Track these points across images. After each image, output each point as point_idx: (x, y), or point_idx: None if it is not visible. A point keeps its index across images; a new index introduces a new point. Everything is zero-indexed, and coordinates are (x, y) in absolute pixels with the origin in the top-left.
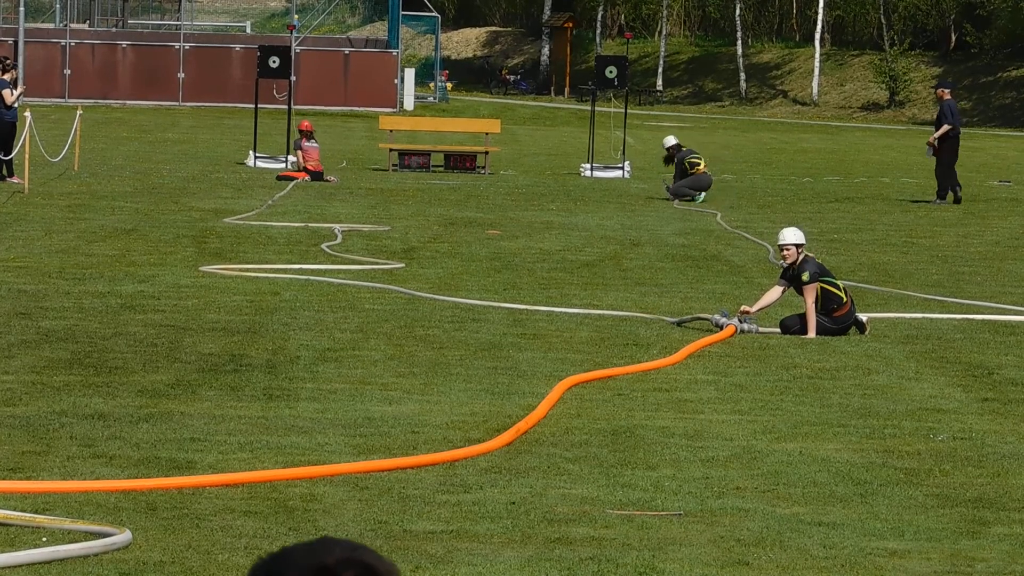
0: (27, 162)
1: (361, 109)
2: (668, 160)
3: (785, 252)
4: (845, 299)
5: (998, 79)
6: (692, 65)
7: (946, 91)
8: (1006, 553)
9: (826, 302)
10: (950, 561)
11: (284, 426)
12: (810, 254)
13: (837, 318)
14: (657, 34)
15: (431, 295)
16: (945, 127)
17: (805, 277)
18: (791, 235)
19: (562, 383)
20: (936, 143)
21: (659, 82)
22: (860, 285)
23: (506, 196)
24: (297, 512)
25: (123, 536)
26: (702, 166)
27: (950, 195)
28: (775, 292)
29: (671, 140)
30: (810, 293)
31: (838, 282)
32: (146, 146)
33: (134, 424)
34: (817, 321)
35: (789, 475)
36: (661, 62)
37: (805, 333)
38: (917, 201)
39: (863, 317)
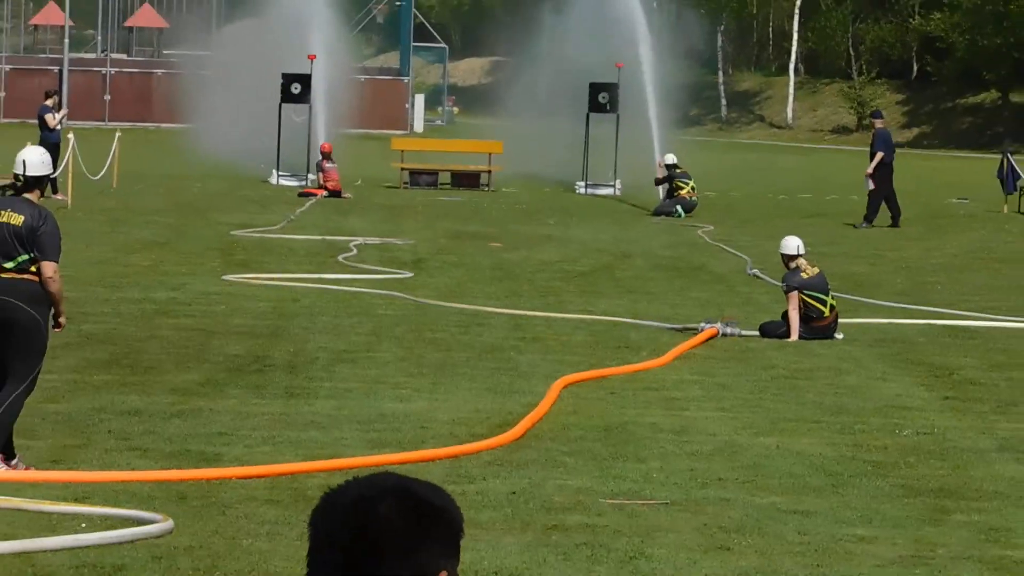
0: (70, 180)
1: (375, 131)
2: (661, 182)
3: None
4: (827, 314)
5: (956, 106)
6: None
7: (878, 121)
8: (966, 539)
9: (806, 311)
10: (914, 546)
11: (303, 422)
12: (799, 266)
13: (813, 328)
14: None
15: (438, 302)
16: (879, 155)
17: (782, 288)
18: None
19: (558, 382)
20: (872, 172)
21: (650, 107)
22: (833, 294)
23: (508, 211)
24: (315, 502)
25: (164, 524)
26: (685, 191)
27: (887, 220)
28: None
29: (670, 158)
30: (789, 302)
31: (826, 298)
32: (179, 165)
33: (166, 420)
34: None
35: (767, 467)
36: (651, 88)
37: (784, 337)
38: (849, 223)
39: (839, 335)
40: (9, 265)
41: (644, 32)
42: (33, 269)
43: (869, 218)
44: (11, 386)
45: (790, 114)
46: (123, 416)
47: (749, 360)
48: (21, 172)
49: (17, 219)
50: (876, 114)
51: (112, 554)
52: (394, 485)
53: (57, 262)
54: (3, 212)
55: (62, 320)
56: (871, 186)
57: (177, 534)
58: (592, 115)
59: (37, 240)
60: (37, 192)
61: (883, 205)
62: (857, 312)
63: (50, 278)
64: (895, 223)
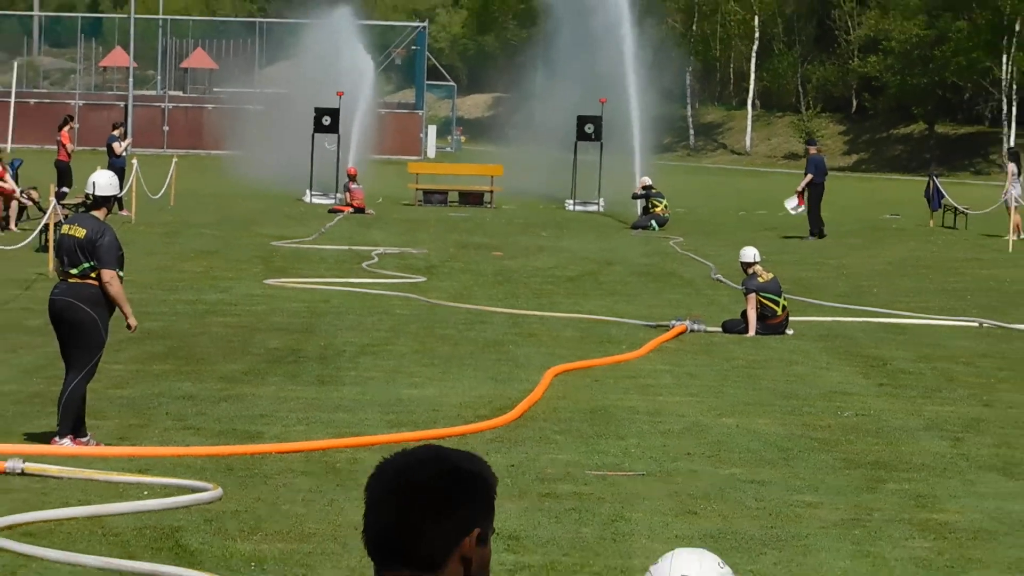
0: (134, 199)
1: (394, 157)
2: (638, 196)
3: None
4: (780, 313)
5: (889, 136)
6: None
7: (812, 148)
8: (897, 504)
9: (762, 310)
10: (854, 511)
11: (332, 405)
12: (756, 272)
13: (768, 325)
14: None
15: (448, 303)
16: (808, 177)
17: (742, 290)
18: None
19: (550, 371)
20: (803, 191)
21: (635, 135)
22: (784, 296)
23: (507, 225)
24: (343, 473)
25: (215, 492)
26: (659, 208)
27: (810, 229)
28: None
29: (646, 180)
30: (747, 302)
31: (778, 299)
32: (227, 186)
33: (215, 403)
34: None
35: (729, 444)
36: (635, 120)
37: (743, 332)
38: (790, 237)
39: (789, 331)
40: (74, 271)
41: (628, 72)
42: (94, 276)
43: (812, 231)
44: (72, 374)
45: (748, 142)
46: (179, 400)
47: (713, 352)
48: (91, 192)
49: (80, 232)
50: (810, 142)
51: (170, 517)
52: (434, 455)
53: (114, 269)
54: (71, 226)
55: (131, 321)
56: (795, 204)
57: (225, 500)
58: (579, 143)
59: (96, 250)
60: (104, 210)
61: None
62: (805, 311)
63: (107, 283)
64: (821, 235)
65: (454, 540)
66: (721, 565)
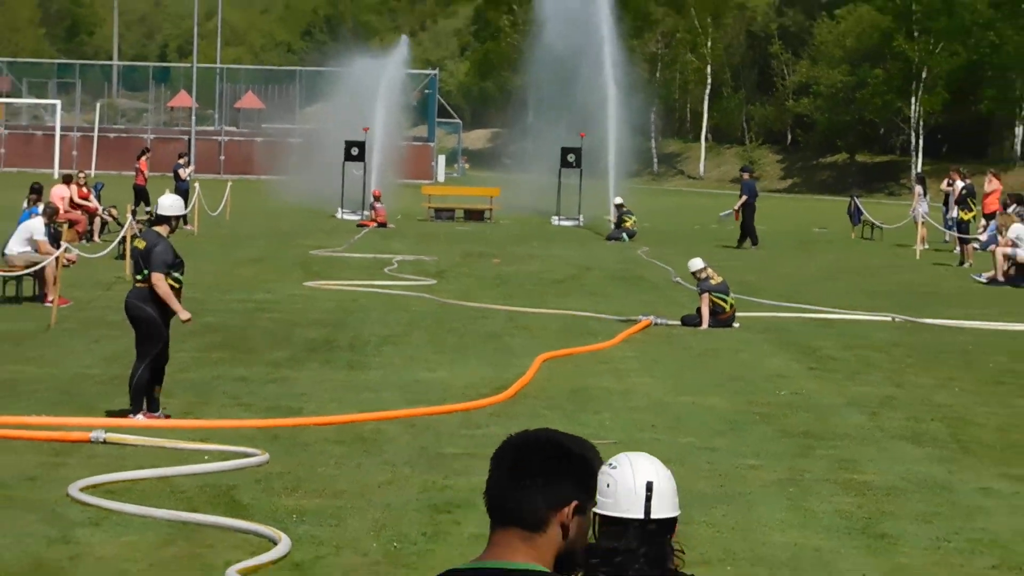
0: (196, 215)
1: (410, 181)
2: (615, 222)
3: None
4: (728, 310)
5: (818, 164)
6: (624, 153)
7: (745, 174)
8: (825, 467)
9: (713, 307)
10: (789, 472)
11: (360, 386)
12: (707, 276)
13: (718, 320)
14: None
15: (455, 301)
16: (743, 198)
17: (697, 291)
18: (690, 265)
19: (539, 358)
20: (739, 209)
21: (610, 164)
22: (732, 295)
23: (504, 237)
24: (369, 441)
25: (263, 457)
26: (628, 223)
27: (750, 241)
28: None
29: (619, 200)
30: (701, 301)
31: (727, 298)
32: (272, 205)
33: (263, 384)
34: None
35: (686, 417)
36: (611, 152)
37: (697, 326)
38: (727, 246)
39: (736, 325)
40: (139, 277)
41: (603, 110)
42: None
43: (753, 241)
44: (138, 362)
45: (702, 169)
46: (233, 382)
47: (673, 342)
48: (155, 211)
49: (141, 244)
50: (745, 169)
51: (226, 478)
52: (548, 436)
53: (160, 273)
54: (137, 239)
55: (182, 316)
56: (729, 213)
57: (272, 464)
58: (563, 169)
59: (149, 257)
60: (166, 227)
61: (756, 230)
62: (749, 308)
63: (154, 284)
64: (739, 244)
65: (555, 508)
66: (664, 467)
